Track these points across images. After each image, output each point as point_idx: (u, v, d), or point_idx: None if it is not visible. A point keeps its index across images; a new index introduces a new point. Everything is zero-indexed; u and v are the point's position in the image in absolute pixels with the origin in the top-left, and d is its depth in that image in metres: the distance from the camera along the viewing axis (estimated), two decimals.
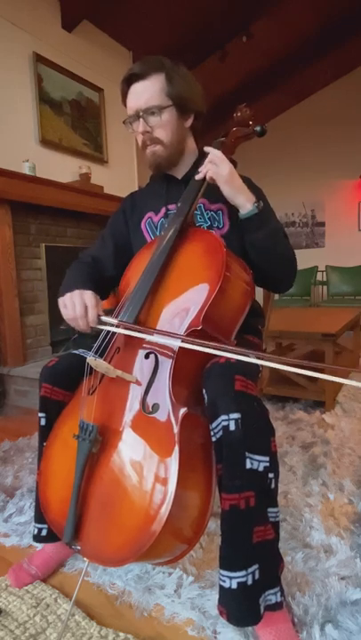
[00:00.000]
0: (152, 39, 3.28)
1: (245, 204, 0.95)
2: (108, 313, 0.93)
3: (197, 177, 0.97)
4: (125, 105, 1.04)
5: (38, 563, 1.03)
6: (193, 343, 0.77)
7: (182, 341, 0.79)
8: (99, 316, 0.91)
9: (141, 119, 1.01)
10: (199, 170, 0.97)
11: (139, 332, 0.85)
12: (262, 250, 0.98)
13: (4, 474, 1.58)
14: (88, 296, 0.92)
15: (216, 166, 0.94)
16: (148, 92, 0.99)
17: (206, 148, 0.99)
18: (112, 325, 0.87)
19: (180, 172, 1.10)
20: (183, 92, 1.01)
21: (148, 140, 1.03)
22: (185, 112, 1.04)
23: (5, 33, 2.49)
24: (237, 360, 0.81)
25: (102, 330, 0.91)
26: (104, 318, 0.90)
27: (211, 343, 0.76)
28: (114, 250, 1.16)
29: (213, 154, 0.95)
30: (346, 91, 4.84)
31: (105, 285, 1.15)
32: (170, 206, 1.09)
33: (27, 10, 2.60)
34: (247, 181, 1.08)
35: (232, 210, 1.01)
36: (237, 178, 0.96)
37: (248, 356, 0.77)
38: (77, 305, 0.91)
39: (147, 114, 1.00)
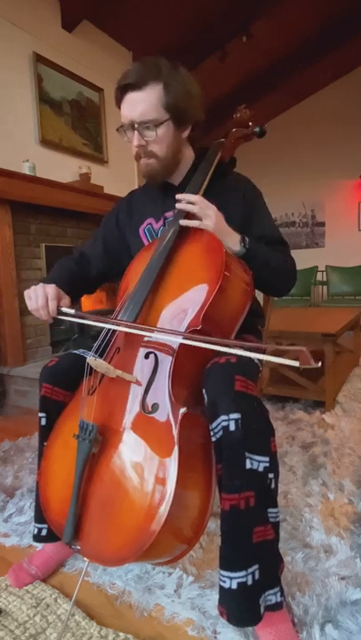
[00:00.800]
0: (152, 39, 3.28)
1: (232, 247, 0.94)
2: (108, 313, 0.93)
3: (182, 222, 0.94)
4: (119, 109, 1.00)
5: (38, 563, 1.03)
6: (192, 339, 0.77)
7: (181, 338, 0.79)
8: (59, 307, 0.97)
9: (136, 132, 0.96)
10: (178, 204, 0.94)
11: (113, 324, 0.85)
12: (257, 275, 0.96)
13: (4, 474, 1.58)
14: (50, 289, 0.97)
15: (203, 215, 0.92)
16: (143, 104, 0.93)
17: (182, 196, 0.94)
18: (71, 315, 0.96)
19: (176, 179, 1.09)
20: (181, 103, 0.96)
21: (143, 153, 1.00)
22: (182, 124, 1.00)
23: (5, 33, 2.49)
24: (238, 360, 0.81)
25: (63, 320, 0.99)
26: (64, 309, 0.98)
27: (209, 338, 0.75)
28: (103, 250, 1.18)
29: (196, 205, 0.92)
30: (346, 91, 4.84)
31: (88, 282, 1.19)
32: (167, 214, 1.08)
33: (27, 10, 2.60)
34: (245, 183, 1.08)
35: (229, 216, 0.98)
36: (223, 223, 0.94)
37: (247, 350, 0.77)
38: (39, 297, 0.96)
39: (142, 127, 0.95)
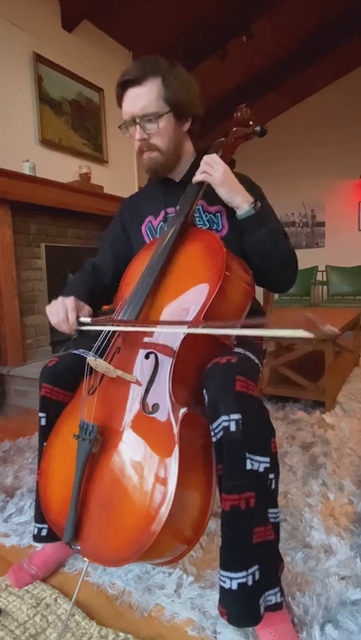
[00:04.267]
0: (152, 39, 3.27)
1: (242, 204, 0.95)
2: (109, 313, 0.93)
3: (194, 180, 0.97)
4: (121, 107, 1.02)
5: (38, 563, 1.03)
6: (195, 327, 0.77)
7: (185, 332, 0.79)
8: (77, 318, 0.96)
9: (138, 126, 0.98)
10: (196, 173, 0.97)
11: (133, 327, 0.85)
12: (261, 250, 0.98)
13: (4, 474, 1.58)
14: (68, 301, 0.97)
15: (211, 168, 0.94)
16: (144, 98, 0.96)
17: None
18: (89, 325, 0.94)
19: (177, 175, 1.10)
20: (180, 97, 0.98)
21: (145, 146, 1.01)
22: (182, 117, 1.02)
23: (5, 33, 2.49)
24: (238, 360, 0.81)
25: (89, 330, 0.96)
26: (82, 319, 0.96)
27: (211, 329, 0.75)
28: (112, 257, 1.19)
29: (208, 156, 0.96)
30: (346, 91, 4.84)
31: (105, 292, 1.19)
32: (168, 210, 1.09)
33: (26, 10, 2.60)
34: (246, 181, 1.08)
35: (231, 212, 1.00)
36: (233, 179, 0.96)
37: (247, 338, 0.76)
38: (60, 311, 0.96)
39: (143, 120, 0.98)
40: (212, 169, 0.94)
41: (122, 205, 1.22)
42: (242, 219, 0.97)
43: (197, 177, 0.96)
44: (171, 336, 0.83)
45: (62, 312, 0.95)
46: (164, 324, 0.86)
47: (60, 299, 0.98)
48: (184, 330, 0.80)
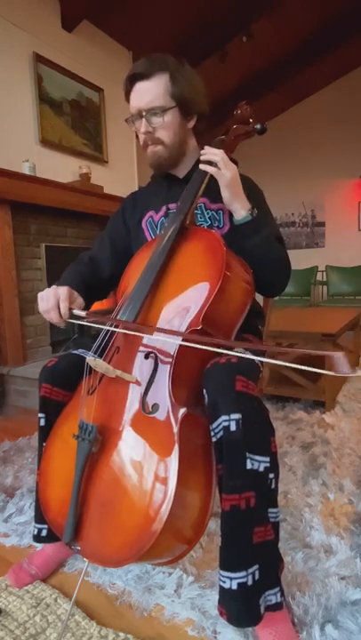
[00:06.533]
0: (152, 39, 3.27)
1: (240, 211, 0.96)
2: (108, 313, 0.93)
3: (201, 166, 0.95)
4: (128, 102, 1.04)
5: (38, 563, 1.03)
6: (196, 341, 0.77)
7: (179, 337, 0.79)
8: (70, 309, 0.94)
9: (144, 119, 1.00)
10: (203, 156, 0.95)
11: (133, 329, 0.85)
12: (254, 256, 0.97)
13: (4, 474, 1.58)
14: (62, 291, 0.96)
15: (223, 165, 0.93)
16: (151, 92, 0.99)
17: (207, 148, 0.96)
18: (82, 318, 0.92)
19: (181, 172, 1.10)
20: (187, 94, 1.00)
21: (150, 140, 1.03)
22: (188, 113, 1.04)
23: (5, 33, 2.49)
24: (238, 360, 0.81)
25: (84, 327, 0.95)
26: (75, 312, 0.94)
27: (208, 339, 0.75)
28: (111, 252, 1.18)
29: (218, 155, 0.93)
30: (346, 91, 4.84)
31: (101, 286, 1.17)
32: (170, 205, 1.09)
33: (26, 10, 2.60)
34: (248, 182, 1.08)
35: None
36: (239, 184, 0.96)
37: (248, 351, 0.77)
38: (51, 298, 0.94)
39: (149, 114, 1.00)
40: (223, 168, 0.92)
41: (125, 201, 1.22)
42: (238, 224, 0.97)
43: (208, 168, 0.94)
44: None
45: (53, 300, 0.94)
46: (161, 331, 0.83)
47: (54, 288, 0.96)
48: (178, 341, 0.80)
